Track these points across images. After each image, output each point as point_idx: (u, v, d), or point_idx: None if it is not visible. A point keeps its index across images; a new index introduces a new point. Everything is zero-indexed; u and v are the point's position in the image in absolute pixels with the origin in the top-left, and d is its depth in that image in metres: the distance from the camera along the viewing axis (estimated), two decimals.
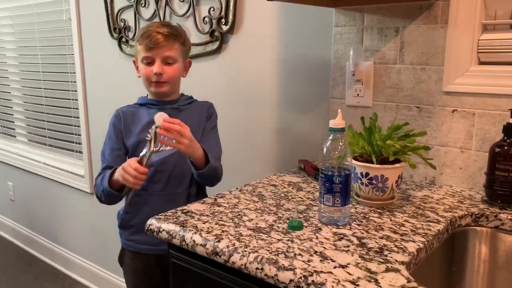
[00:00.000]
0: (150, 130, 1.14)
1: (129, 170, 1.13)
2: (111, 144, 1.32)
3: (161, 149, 1.28)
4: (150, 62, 1.26)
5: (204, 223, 0.90)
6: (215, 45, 1.64)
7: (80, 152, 2.45)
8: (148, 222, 0.93)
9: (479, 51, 1.09)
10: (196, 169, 1.21)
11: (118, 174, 1.19)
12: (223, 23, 1.61)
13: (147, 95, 1.37)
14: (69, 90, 2.44)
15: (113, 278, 2.37)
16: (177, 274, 0.94)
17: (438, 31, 1.13)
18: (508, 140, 0.99)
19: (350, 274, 0.69)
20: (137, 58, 1.31)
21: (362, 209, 0.99)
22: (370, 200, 1.00)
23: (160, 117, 1.12)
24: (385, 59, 1.23)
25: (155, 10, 1.82)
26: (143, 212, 1.30)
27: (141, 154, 1.15)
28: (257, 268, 0.74)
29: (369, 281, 0.66)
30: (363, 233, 0.85)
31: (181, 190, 1.32)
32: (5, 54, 2.91)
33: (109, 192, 1.23)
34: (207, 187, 1.44)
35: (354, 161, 0.98)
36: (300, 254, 0.76)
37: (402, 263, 0.73)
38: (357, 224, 0.89)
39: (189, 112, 1.34)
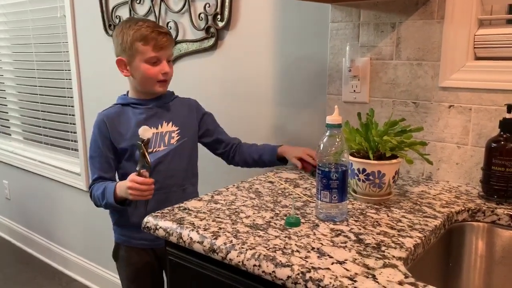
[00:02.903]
0: (137, 147, 1.18)
1: (137, 187, 1.17)
2: (98, 152, 1.31)
3: (154, 150, 1.30)
4: (155, 62, 1.26)
5: (201, 220, 0.90)
6: (211, 41, 1.64)
7: (76, 150, 2.44)
8: (145, 219, 0.93)
9: (475, 46, 1.09)
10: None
11: (123, 192, 1.21)
12: (218, 19, 1.60)
13: (127, 93, 1.37)
14: (64, 88, 2.43)
15: (110, 275, 2.36)
16: (175, 271, 0.94)
17: (434, 27, 1.13)
18: (504, 135, 0.99)
19: (347, 270, 0.69)
20: (132, 58, 1.26)
21: (359, 205, 0.99)
22: (367, 196, 1.00)
23: (144, 132, 1.17)
24: (381, 55, 1.23)
25: (150, 7, 1.81)
26: (140, 211, 1.29)
27: (138, 168, 1.18)
28: (254, 265, 0.73)
29: (367, 277, 0.66)
30: (360, 229, 0.85)
31: (176, 187, 1.34)
32: None
33: (114, 207, 1.26)
34: (203, 183, 1.43)
35: (351, 157, 0.98)
36: (297, 251, 0.75)
37: (400, 258, 0.73)
38: (354, 220, 0.89)
39: (175, 110, 1.37)
